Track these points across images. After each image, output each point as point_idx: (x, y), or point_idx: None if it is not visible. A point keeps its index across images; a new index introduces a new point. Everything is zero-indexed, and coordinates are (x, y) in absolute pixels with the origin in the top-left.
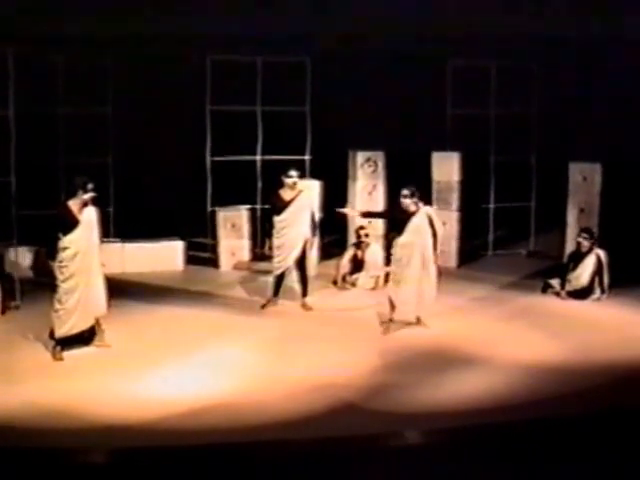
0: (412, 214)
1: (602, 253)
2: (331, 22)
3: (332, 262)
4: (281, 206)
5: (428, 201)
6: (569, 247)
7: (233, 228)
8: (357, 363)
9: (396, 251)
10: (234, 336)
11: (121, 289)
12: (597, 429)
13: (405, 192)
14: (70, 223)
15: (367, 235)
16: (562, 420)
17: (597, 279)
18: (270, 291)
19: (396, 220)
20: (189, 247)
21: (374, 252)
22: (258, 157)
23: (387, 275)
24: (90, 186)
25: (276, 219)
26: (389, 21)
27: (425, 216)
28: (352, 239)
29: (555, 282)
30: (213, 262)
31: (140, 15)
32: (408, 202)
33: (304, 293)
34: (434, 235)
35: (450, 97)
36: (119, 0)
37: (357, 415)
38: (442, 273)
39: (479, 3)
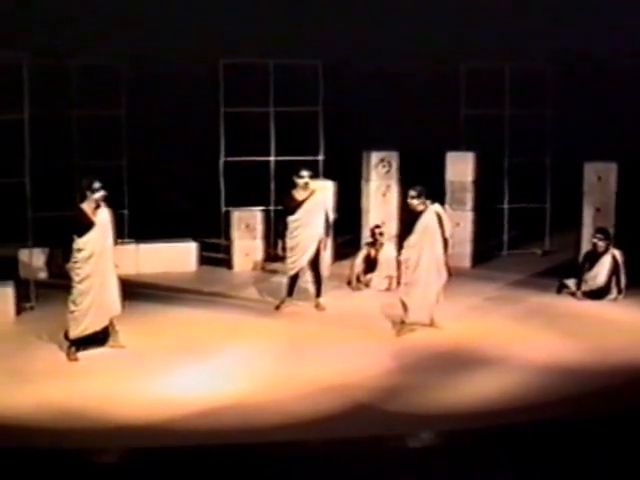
0: (420, 214)
1: (618, 253)
2: (343, 25)
3: (346, 262)
4: (294, 206)
5: (442, 201)
6: (585, 247)
7: (247, 229)
8: (371, 364)
9: (406, 252)
10: (247, 337)
11: (135, 290)
12: (613, 431)
13: (412, 193)
14: (85, 225)
15: (382, 234)
16: (578, 421)
17: (614, 279)
18: (284, 292)
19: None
20: (203, 248)
21: (388, 252)
22: (272, 158)
23: (400, 276)
24: (97, 185)
25: (289, 219)
26: (399, 21)
27: (434, 215)
28: (366, 239)
29: (571, 282)
30: (227, 263)
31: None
32: (416, 202)
33: (318, 294)
34: (444, 234)
35: (464, 98)
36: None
37: (371, 416)
38: (452, 274)
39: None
